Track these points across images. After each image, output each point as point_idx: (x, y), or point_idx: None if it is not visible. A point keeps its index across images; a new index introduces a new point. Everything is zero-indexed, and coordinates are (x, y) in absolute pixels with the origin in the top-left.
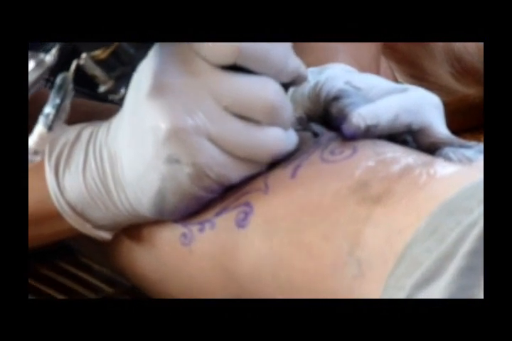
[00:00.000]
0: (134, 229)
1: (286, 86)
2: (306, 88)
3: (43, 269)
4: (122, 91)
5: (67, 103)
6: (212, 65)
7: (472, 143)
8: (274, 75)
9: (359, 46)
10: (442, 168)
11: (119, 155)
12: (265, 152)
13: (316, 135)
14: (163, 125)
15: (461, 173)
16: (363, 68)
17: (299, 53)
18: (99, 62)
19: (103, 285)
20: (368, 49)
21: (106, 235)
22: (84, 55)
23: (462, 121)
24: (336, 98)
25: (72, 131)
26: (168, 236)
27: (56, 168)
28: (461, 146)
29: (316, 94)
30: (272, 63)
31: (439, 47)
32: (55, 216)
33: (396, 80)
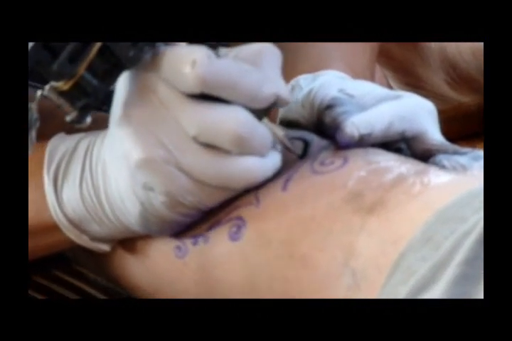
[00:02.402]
0: (128, 240)
1: (268, 109)
2: (299, 95)
3: (38, 278)
4: (88, 120)
5: (33, 134)
6: (181, 94)
7: (466, 149)
8: (246, 103)
9: (353, 53)
10: (436, 177)
11: (108, 172)
12: (237, 181)
13: (302, 155)
14: (134, 154)
15: (455, 182)
16: (357, 75)
17: (292, 61)
18: (62, 94)
19: (98, 294)
20: (362, 56)
21: (104, 247)
22: (47, 87)
23: (458, 128)
24: (330, 106)
25: (70, 141)
26: (163, 249)
27: (55, 180)
28: (455, 153)
29: (309, 102)
30: (242, 91)
31: (434, 55)
32: (52, 228)
33: (391, 89)
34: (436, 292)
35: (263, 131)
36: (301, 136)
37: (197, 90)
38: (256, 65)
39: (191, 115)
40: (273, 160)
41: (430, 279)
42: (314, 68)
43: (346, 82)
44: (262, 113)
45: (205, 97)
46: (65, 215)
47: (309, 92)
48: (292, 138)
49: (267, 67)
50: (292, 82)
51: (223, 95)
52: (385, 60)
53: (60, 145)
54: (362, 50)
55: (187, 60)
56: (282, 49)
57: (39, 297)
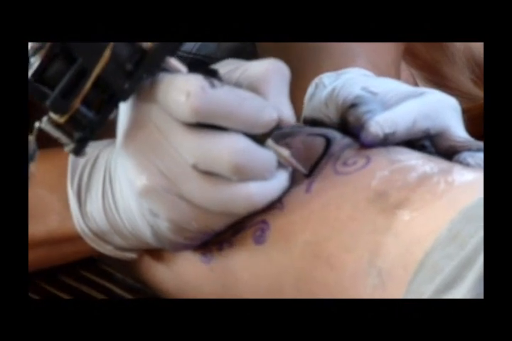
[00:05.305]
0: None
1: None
2: (323, 94)
3: (65, 278)
4: (88, 150)
5: (32, 166)
6: (179, 122)
7: None
8: (245, 129)
9: (377, 51)
10: (460, 176)
11: (123, 190)
12: (239, 207)
13: (311, 170)
14: (137, 183)
15: (480, 180)
16: (381, 73)
17: (316, 59)
18: (59, 126)
19: (125, 294)
20: (387, 54)
21: (131, 255)
22: (45, 119)
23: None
24: (353, 105)
25: (93, 150)
26: (188, 255)
27: (78, 193)
28: (479, 149)
29: (332, 101)
30: (239, 119)
31: (459, 53)
32: (77, 238)
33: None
34: (462, 290)
35: (264, 155)
36: (323, 133)
37: (192, 120)
38: (259, 87)
39: (189, 144)
40: (279, 182)
41: (456, 277)
42: (338, 66)
43: (370, 79)
44: (265, 136)
45: (204, 124)
46: (89, 228)
47: (332, 91)
48: (314, 135)
49: (271, 89)
50: (316, 80)
51: (221, 124)
52: (411, 58)
53: None
54: (386, 48)
55: (181, 91)
56: (306, 47)
57: (66, 297)
